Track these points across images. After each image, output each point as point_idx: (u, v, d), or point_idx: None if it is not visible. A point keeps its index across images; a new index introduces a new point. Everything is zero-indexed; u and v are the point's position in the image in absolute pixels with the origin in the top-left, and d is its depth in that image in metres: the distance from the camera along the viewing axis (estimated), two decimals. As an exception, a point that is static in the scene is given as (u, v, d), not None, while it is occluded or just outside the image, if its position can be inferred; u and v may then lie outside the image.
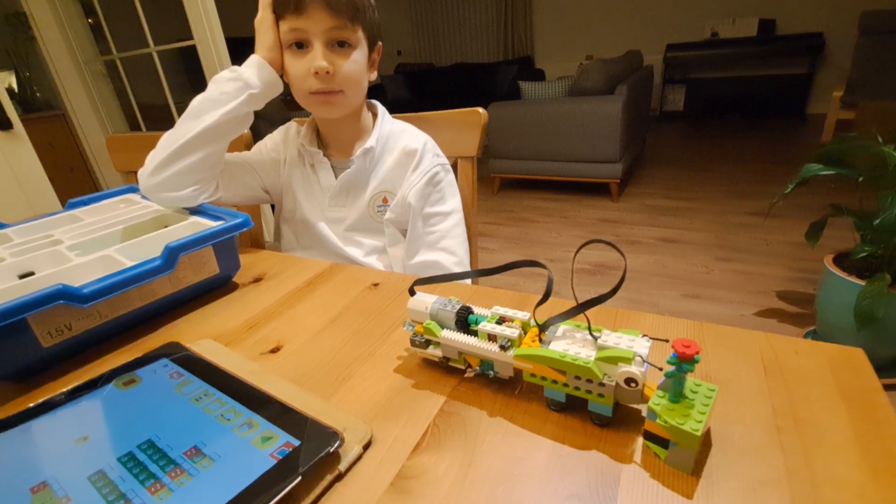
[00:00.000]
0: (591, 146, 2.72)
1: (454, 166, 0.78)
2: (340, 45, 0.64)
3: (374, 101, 0.76)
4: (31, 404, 0.34)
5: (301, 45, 0.63)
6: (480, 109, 0.75)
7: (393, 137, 0.73)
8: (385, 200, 0.73)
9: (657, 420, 0.27)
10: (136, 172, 0.97)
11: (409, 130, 0.75)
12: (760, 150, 3.57)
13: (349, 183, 0.73)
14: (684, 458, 0.26)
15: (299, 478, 0.26)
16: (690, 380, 0.28)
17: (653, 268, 2.05)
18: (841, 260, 1.29)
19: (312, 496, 0.27)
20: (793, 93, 4.18)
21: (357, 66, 0.66)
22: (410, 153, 0.72)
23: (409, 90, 5.46)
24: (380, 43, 0.71)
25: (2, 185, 1.49)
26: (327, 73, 0.62)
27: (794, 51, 4.10)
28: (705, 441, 0.28)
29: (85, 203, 0.71)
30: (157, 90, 2.38)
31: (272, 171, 0.78)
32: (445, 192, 0.73)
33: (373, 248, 0.75)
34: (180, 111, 2.18)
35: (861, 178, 1.26)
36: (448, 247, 0.72)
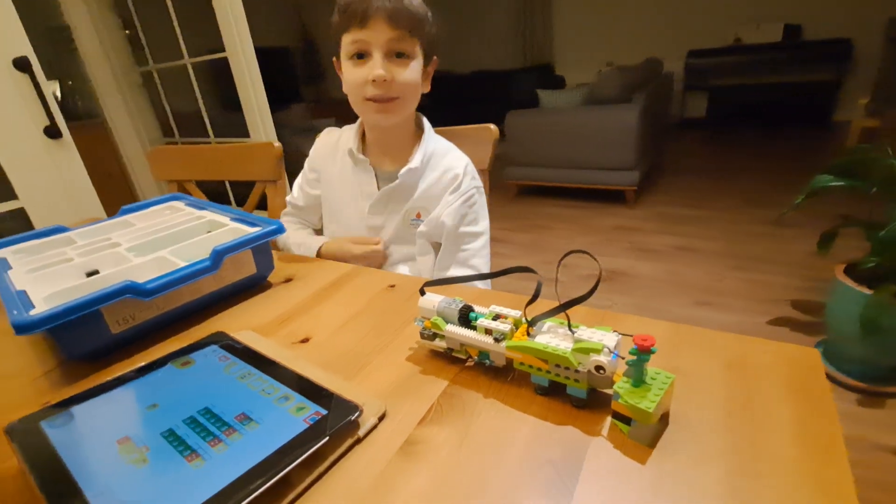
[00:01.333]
0: (607, 154, 2.75)
1: (466, 178, 0.84)
2: (399, 56, 0.69)
3: (421, 115, 0.81)
4: (109, 378, 0.41)
5: (361, 56, 0.69)
6: (492, 126, 0.81)
7: (436, 157, 0.78)
8: (419, 215, 0.78)
9: (620, 400, 0.32)
10: (175, 181, 1.06)
11: (452, 152, 0.80)
12: (782, 158, 3.53)
13: (390, 196, 0.78)
14: (643, 432, 0.32)
15: (327, 438, 0.32)
16: (651, 369, 0.34)
17: (665, 275, 2.07)
18: (852, 270, 1.31)
19: (336, 454, 0.33)
20: (819, 100, 4.10)
21: (413, 74, 0.71)
22: (453, 177, 0.76)
23: (427, 97, 5.54)
24: (435, 57, 0.76)
25: (52, 191, 1.61)
26: (385, 80, 0.67)
27: (820, 57, 4.03)
28: (664, 420, 0.34)
29: (135, 209, 0.79)
30: (189, 99, 2.51)
31: (317, 204, 0.89)
32: (479, 213, 0.79)
33: (403, 256, 0.80)
34: (212, 119, 2.30)
35: (874, 190, 1.27)
36: (476, 265, 0.78)
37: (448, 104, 5.39)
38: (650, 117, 2.80)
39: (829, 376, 1.34)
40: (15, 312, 0.43)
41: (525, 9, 5.37)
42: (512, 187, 3.26)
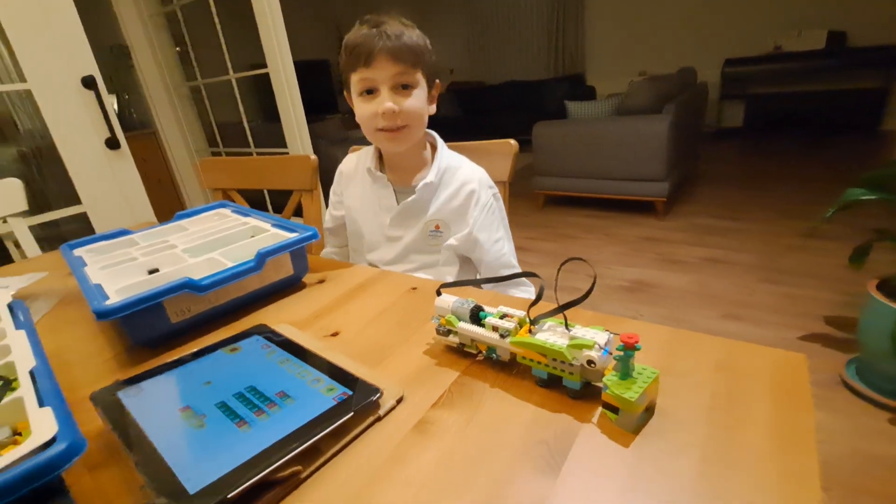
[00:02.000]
0: (637, 165, 2.73)
1: (488, 190, 0.90)
2: (404, 88, 0.76)
3: (433, 133, 0.87)
4: (170, 359, 0.48)
5: (370, 91, 0.76)
6: (512, 141, 0.86)
7: (450, 171, 0.84)
8: (437, 227, 0.83)
9: (608, 391, 0.36)
10: (221, 190, 1.16)
11: (465, 165, 0.85)
12: (824, 168, 3.41)
13: (408, 210, 0.84)
14: (628, 420, 0.36)
15: (352, 414, 0.38)
16: (639, 365, 0.38)
17: (693, 287, 2.05)
18: (885, 285, 1.28)
19: (359, 428, 0.38)
20: (865, 108, 3.94)
21: (418, 101, 0.77)
22: (470, 193, 0.82)
23: (460, 108, 5.65)
24: (437, 80, 0.82)
25: (111, 197, 1.76)
26: (393, 112, 0.74)
27: (867, 64, 3.88)
28: (650, 411, 0.38)
29: (188, 215, 0.88)
30: (232, 110, 2.67)
31: (343, 224, 0.97)
32: (497, 216, 0.85)
33: (422, 264, 0.86)
34: (253, 130, 2.44)
35: (910, 203, 1.25)
36: (515, 263, 0.86)
37: (480, 114, 5.48)
38: (682, 127, 2.77)
39: (861, 394, 1.31)
40: (95, 302, 0.51)
41: (557, 19, 5.41)
42: (539, 197, 3.28)
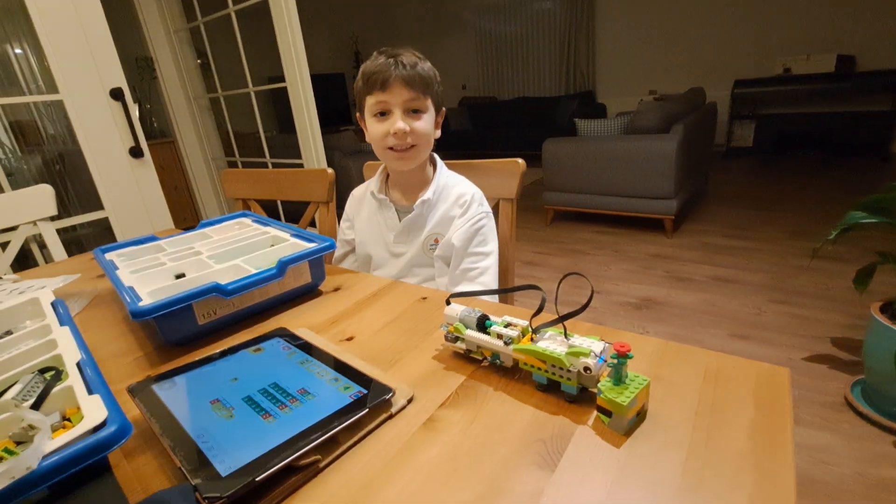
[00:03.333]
0: (646, 182, 2.76)
1: (497, 206, 0.94)
2: (414, 112, 0.83)
3: (434, 155, 0.94)
4: (198, 358, 0.52)
5: (383, 114, 0.83)
6: (519, 160, 0.90)
7: (447, 188, 0.90)
8: (436, 241, 0.90)
9: (602, 395, 0.39)
10: (241, 200, 1.21)
11: (462, 183, 0.92)
12: (833, 189, 3.42)
13: (411, 227, 0.90)
14: (620, 423, 0.39)
15: (366, 410, 0.41)
16: (632, 372, 0.41)
17: (702, 306, 2.06)
18: (889, 307, 1.29)
19: (373, 424, 0.42)
20: (874, 131, 3.96)
21: (426, 125, 0.85)
22: (462, 204, 0.88)
23: (471, 122, 5.73)
24: (444, 108, 0.90)
25: (132, 203, 1.83)
26: (404, 132, 0.81)
27: (875, 88, 3.91)
28: (642, 416, 0.41)
29: (211, 224, 0.93)
30: (249, 121, 2.76)
31: (353, 247, 1.02)
32: (487, 236, 0.89)
33: (425, 278, 0.92)
34: (269, 141, 2.53)
35: (912, 227, 1.26)
36: (485, 282, 0.87)
37: (491, 128, 5.56)
38: (691, 147, 2.80)
39: (866, 417, 1.31)
40: (131, 303, 0.56)
41: (569, 38, 5.50)
42: (548, 212, 3.32)
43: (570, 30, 5.45)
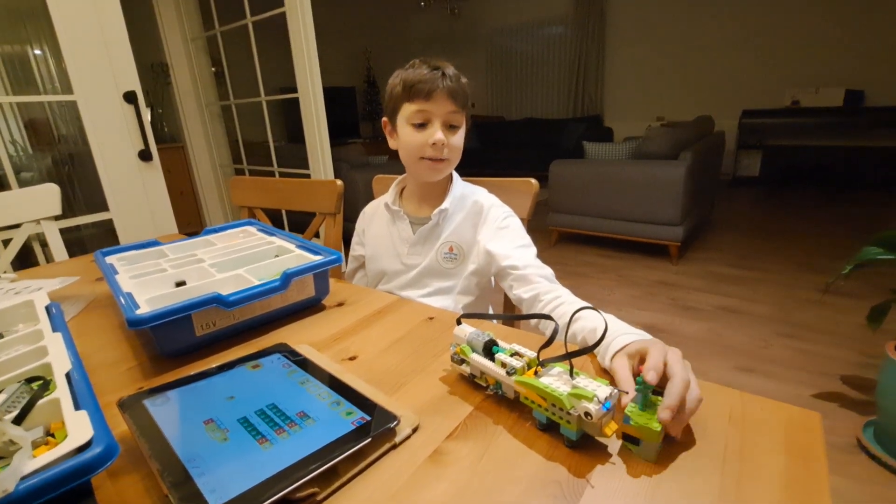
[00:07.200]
0: (652, 208, 2.75)
1: (507, 225, 0.92)
2: (452, 127, 0.82)
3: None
4: (193, 372, 0.49)
5: (423, 125, 0.82)
6: (532, 180, 0.89)
7: (464, 198, 0.89)
8: (451, 249, 0.88)
9: (630, 422, 0.37)
10: (247, 208, 1.20)
11: (479, 192, 0.91)
12: (841, 223, 3.39)
13: (426, 236, 0.89)
14: (650, 450, 0.36)
15: (369, 439, 0.38)
16: (654, 397, 0.38)
17: (707, 336, 2.02)
18: (904, 347, 1.25)
19: (376, 454, 0.39)
20: (883, 165, 3.96)
21: (461, 141, 0.84)
22: (478, 211, 0.87)
23: (479, 141, 5.77)
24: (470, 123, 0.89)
25: (137, 206, 1.82)
26: (443, 144, 0.80)
27: (885, 123, 3.92)
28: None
29: (216, 231, 0.91)
30: (259, 130, 2.77)
31: (363, 262, 1.01)
32: (513, 231, 0.85)
33: (437, 289, 0.89)
34: (277, 150, 2.52)
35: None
36: (545, 275, 0.77)
37: (498, 147, 5.60)
38: (698, 174, 2.80)
39: (879, 460, 1.27)
40: (129, 311, 0.53)
41: (579, 62, 5.56)
42: (553, 233, 3.30)
43: (580, 54, 5.52)
